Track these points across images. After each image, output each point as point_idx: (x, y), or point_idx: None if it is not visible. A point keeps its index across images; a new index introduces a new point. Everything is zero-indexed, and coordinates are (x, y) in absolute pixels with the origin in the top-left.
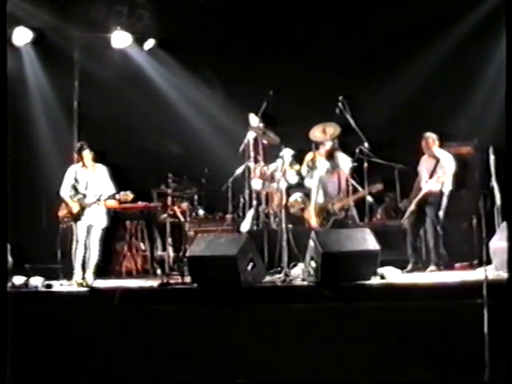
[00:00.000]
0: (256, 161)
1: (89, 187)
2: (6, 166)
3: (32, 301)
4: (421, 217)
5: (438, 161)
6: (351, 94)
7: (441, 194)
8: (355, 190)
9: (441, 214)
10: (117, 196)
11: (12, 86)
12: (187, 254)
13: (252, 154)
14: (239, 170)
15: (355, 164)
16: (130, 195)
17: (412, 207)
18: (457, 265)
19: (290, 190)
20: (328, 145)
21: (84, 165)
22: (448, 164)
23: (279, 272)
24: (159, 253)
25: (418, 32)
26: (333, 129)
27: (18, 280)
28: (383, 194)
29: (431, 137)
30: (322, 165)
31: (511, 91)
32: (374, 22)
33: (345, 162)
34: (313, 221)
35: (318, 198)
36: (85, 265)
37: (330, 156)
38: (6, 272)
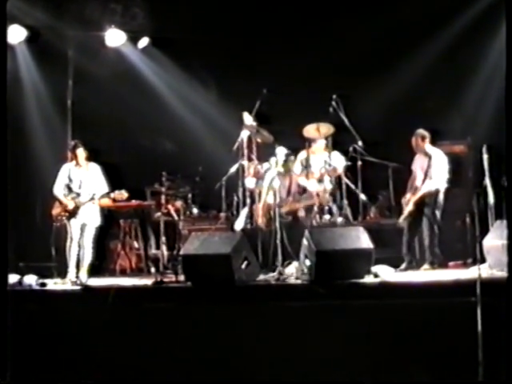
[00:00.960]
0: (250, 159)
1: (82, 186)
2: (6, 166)
3: (26, 299)
4: (418, 216)
5: (430, 158)
6: (345, 92)
7: (437, 192)
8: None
9: (438, 212)
10: (111, 195)
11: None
12: (181, 252)
13: (246, 152)
14: (233, 169)
15: (349, 163)
16: (124, 194)
17: (410, 208)
18: (451, 263)
19: None
20: (321, 143)
21: (78, 163)
22: (440, 161)
23: (273, 270)
24: (153, 251)
25: (411, 31)
26: (326, 127)
27: (12, 278)
28: (377, 192)
29: (421, 134)
30: (275, 168)
31: (511, 91)
32: (368, 20)
33: (338, 160)
34: (259, 220)
35: (267, 198)
36: (79, 263)
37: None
38: (6, 272)
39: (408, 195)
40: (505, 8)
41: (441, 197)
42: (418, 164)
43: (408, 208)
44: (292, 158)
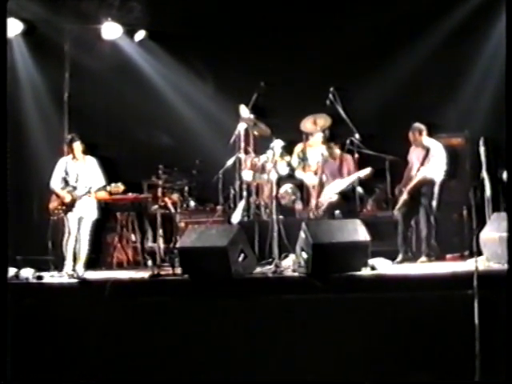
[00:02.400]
0: (247, 152)
1: (79, 179)
2: (5, 161)
3: (23, 292)
4: (413, 207)
5: (427, 150)
6: (342, 85)
7: (433, 183)
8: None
9: (434, 203)
10: (108, 188)
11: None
12: (178, 245)
13: (243, 145)
14: (230, 162)
15: None
16: (121, 187)
17: (405, 197)
18: (447, 256)
19: (281, 181)
20: (318, 136)
21: (74, 157)
22: (438, 153)
23: (270, 263)
24: (150, 244)
25: (408, 23)
26: (323, 120)
27: (9, 272)
28: (373, 185)
29: (418, 128)
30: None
31: (511, 85)
32: (364, 13)
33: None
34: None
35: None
36: (75, 256)
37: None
38: (6, 266)
39: (402, 185)
40: (505, 3)
41: (436, 188)
42: (415, 155)
43: (403, 197)
44: (332, 144)
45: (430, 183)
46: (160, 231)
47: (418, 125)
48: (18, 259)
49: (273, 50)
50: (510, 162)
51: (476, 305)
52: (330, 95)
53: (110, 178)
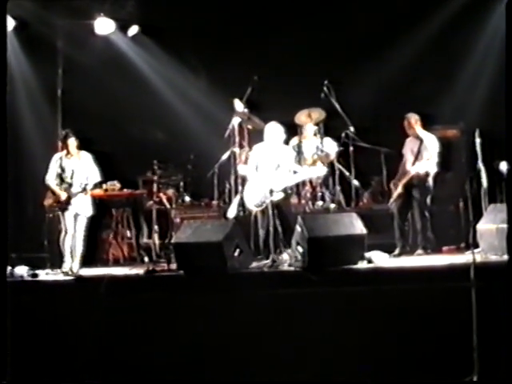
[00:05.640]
0: (241, 146)
1: (75, 175)
2: (5, 161)
3: (18, 290)
4: (408, 200)
5: (421, 142)
6: (336, 78)
7: (426, 175)
8: None
9: (428, 196)
10: (104, 186)
11: None
12: (173, 240)
13: (237, 139)
14: (225, 156)
15: (341, 148)
16: (117, 185)
17: (399, 190)
18: (444, 248)
19: None
20: (310, 128)
21: (69, 152)
22: (432, 144)
23: (266, 258)
24: (145, 240)
25: (403, 15)
26: (318, 113)
27: None
28: (369, 178)
29: (413, 117)
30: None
31: (511, 75)
32: (359, 5)
33: (330, 146)
34: None
35: None
36: (71, 253)
37: None
38: (6, 265)
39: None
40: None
41: (430, 180)
42: (409, 147)
43: (397, 190)
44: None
45: (423, 177)
46: (155, 227)
47: (411, 114)
48: (13, 257)
49: (266, 43)
50: (510, 154)
51: (473, 297)
52: (325, 88)
53: (105, 173)
